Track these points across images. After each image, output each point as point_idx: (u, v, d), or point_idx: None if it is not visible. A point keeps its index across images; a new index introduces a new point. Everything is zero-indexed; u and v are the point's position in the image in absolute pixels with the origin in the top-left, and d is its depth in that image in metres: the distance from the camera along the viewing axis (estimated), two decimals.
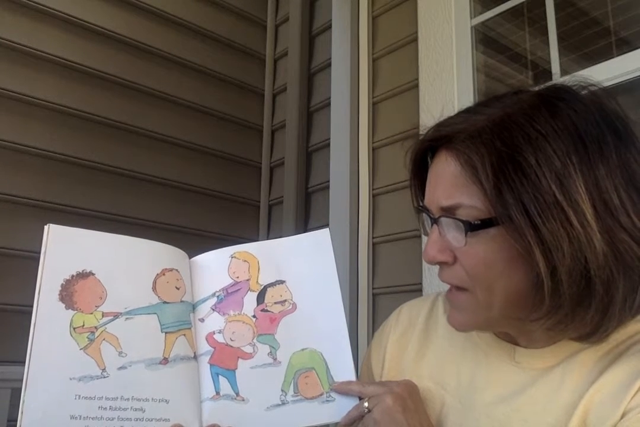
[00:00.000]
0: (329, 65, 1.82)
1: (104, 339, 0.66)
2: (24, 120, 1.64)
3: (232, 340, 0.72)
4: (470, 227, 0.56)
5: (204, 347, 0.72)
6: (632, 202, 0.54)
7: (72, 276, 0.67)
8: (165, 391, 0.67)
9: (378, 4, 1.72)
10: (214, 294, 0.74)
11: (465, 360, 0.69)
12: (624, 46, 1.26)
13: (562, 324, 0.56)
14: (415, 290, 1.40)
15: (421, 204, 0.66)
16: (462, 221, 0.57)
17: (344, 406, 0.69)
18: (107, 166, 1.77)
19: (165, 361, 0.68)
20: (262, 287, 0.75)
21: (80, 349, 0.65)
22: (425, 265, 1.38)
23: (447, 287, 0.65)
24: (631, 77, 1.16)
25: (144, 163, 1.85)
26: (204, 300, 0.74)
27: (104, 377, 0.64)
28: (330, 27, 1.83)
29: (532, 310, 0.57)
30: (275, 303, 0.75)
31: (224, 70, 2.10)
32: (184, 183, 1.93)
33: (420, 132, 0.66)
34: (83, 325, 0.66)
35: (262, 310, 0.74)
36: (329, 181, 1.71)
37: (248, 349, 0.72)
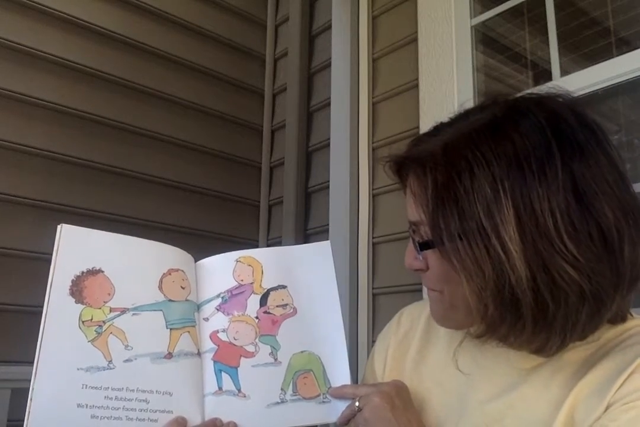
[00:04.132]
0: (329, 65, 1.82)
1: (111, 333, 0.69)
2: (24, 120, 1.64)
3: (235, 339, 0.75)
4: (419, 246, 0.62)
5: (208, 344, 0.74)
6: (571, 225, 0.53)
7: (82, 273, 0.70)
8: (169, 384, 0.69)
9: (378, 4, 1.72)
10: (218, 295, 0.77)
11: (464, 359, 0.70)
12: (624, 46, 1.26)
13: (506, 339, 0.60)
14: (415, 290, 1.40)
15: None
16: (413, 239, 0.64)
17: (339, 406, 0.73)
18: (107, 166, 1.77)
19: (169, 355, 0.71)
20: (265, 290, 0.78)
21: (88, 341, 0.68)
22: None
23: None
24: (631, 77, 1.16)
25: (144, 163, 1.85)
26: (209, 300, 0.77)
27: (110, 368, 0.67)
28: (330, 27, 1.83)
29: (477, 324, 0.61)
30: (277, 306, 0.78)
31: (224, 70, 2.10)
32: (183, 183, 1.93)
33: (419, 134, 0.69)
34: (91, 319, 0.69)
35: (265, 312, 0.77)
36: (329, 181, 1.71)
37: (250, 348, 0.75)
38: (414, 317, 0.80)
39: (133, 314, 0.71)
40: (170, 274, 0.75)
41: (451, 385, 0.70)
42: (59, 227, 0.71)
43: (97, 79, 1.79)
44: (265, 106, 2.21)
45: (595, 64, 1.23)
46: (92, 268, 0.71)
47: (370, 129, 1.65)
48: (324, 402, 0.74)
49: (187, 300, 0.75)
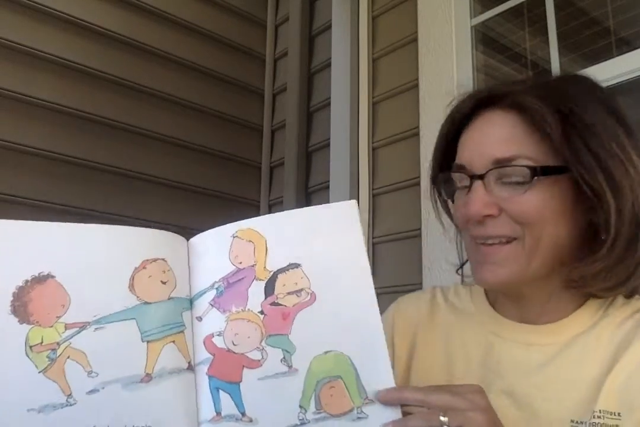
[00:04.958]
0: (329, 65, 1.82)
1: (68, 357, 0.54)
2: (24, 120, 1.64)
3: (234, 344, 0.58)
4: (537, 173, 0.60)
5: (202, 353, 0.58)
6: None
7: (26, 282, 0.55)
8: (150, 415, 0.54)
9: (378, 4, 1.72)
10: (212, 286, 0.60)
11: (475, 345, 0.70)
12: (624, 46, 1.26)
13: (604, 271, 0.61)
14: (414, 290, 1.39)
15: (457, 163, 0.67)
16: (529, 168, 0.60)
17: (381, 421, 0.55)
18: (107, 166, 1.77)
19: (147, 377, 0.55)
20: (272, 273, 0.60)
21: (39, 371, 0.53)
22: (425, 264, 1.38)
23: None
24: (631, 77, 1.16)
25: (144, 163, 1.85)
26: (202, 293, 0.60)
27: (70, 404, 0.52)
28: (330, 27, 1.83)
29: (575, 258, 0.61)
30: (288, 294, 0.59)
31: (224, 70, 2.10)
32: (183, 183, 1.93)
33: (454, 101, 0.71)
34: (42, 342, 0.54)
35: (272, 303, 0.59)
36: (329, 181, 1.71)
37: (255, 355, 0.57)
38: (411, 306, 0.79)
39: (96, 328, 0.55)
40: (144, 267, 0.58)
41: (461, 371, 0.69)
42: None
43: (98, 79, 1.79)
44: (265, 106, 2.21)
45: (595, 64, 1.23)
46: (39, 274, 0.55)
47: (370, 129, 1.65)
48: (359, 418, 0.55)
49: (170, 298, 0.58)
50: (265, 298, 0.59)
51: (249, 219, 0.63)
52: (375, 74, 1.69)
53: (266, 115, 2.21)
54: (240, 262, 0.60)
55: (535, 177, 0.59)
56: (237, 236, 0.62)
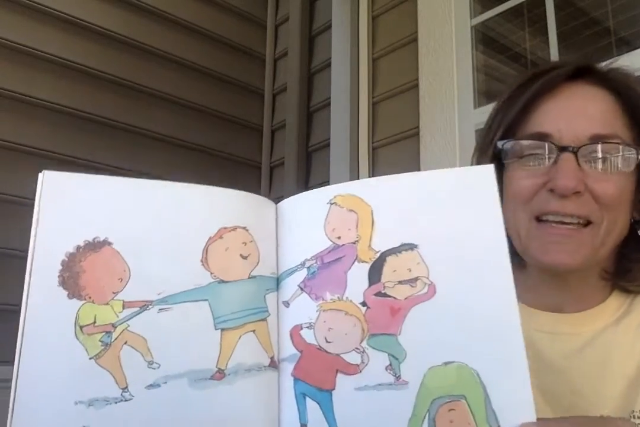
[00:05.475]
0: (329, 65, 1.82)
1: (125, 343, 0.45)
2: (24, 120, 1.64)
3: (327, 341, 0.47)
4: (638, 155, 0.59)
5: (288, 349, 0.47)
6: None
7: (79, 248, 0.46)
8: (220, 420, 0.45)
9: (378, 4, 1.72)
10: (303, 264, 0.49)
11: None
12: (624, 46, 1.26)
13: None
14: None
15: (539, 131, 0.63)
16: (634, 147, 0.60)
17: None
18: (108, 166, 1.77)
19: (220, 374, 0.45)
20: (378, 255, 0.47)
21: (90, 358, 0.44)
22: None
23: None
24: None
25: (144, 163, 1.85)
26: (290, 272, 0.49)
27: (126, 399, 0.44)
28: (330, 27, 1.84)
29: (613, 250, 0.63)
30: (399, 283, 0.46)
31: (224, 70, 2.10)
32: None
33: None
34: (95, 322, 0.45)
35: (378, 294, 0.47)
36: (328, 181, 1.71)
37: (353, 358, 0.46)
38: None
39: (160, 309, 0.45)
40: (221, 237, 0.48)
41: None
42: (40, 175, 0.48)
43: (98, 79, 1.79)
44: (265, 106, 2.21)
45: (595, 63, 1.23)
46: (94, 239, 0.46)
47: (370, 129, 1.65)
48: None
49: (251, 277, 0.48)
50: (369, 286, 0.47)
51: (351, 182, 0.50)
52: (375, 74, 1.69)
53: (266, 115, 2.21)
54: (339, 237, 0.48)
55: (636, 159, 0.59)
56: (335, 203, 0.49)
